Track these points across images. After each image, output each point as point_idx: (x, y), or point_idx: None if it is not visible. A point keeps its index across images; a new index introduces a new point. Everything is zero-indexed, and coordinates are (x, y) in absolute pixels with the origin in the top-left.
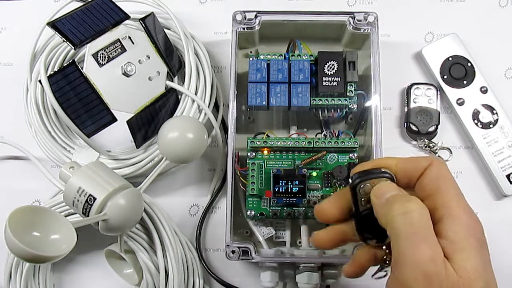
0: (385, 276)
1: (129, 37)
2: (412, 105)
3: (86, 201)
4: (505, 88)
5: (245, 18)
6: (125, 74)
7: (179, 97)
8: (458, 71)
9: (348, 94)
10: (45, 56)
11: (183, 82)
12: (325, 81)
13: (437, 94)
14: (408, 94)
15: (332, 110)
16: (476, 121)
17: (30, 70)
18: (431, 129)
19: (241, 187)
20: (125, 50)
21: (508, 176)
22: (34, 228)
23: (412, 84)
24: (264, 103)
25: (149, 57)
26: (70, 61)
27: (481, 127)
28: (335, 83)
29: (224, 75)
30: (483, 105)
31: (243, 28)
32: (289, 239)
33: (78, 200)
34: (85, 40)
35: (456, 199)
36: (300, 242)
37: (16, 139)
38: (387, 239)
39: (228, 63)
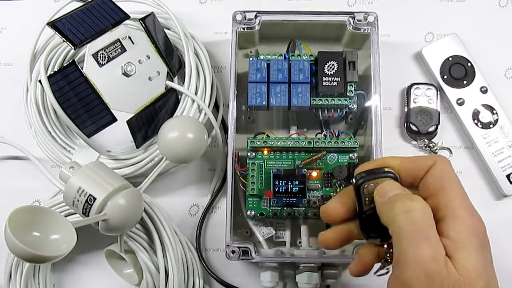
0: (386, 273)
1: (129, 37)
2: (412, 105)
3: (86, 201)
4: (505, 88)
5: (245, 18)
6: (125, 74)
7: (179, 97)
8: (458, 71)
9: (348, 94)
10: (45, 56)
11: (183, 82)
12: (325, 81)
13: (437, 94)
14: (408, 94)
15: (332, 110)
16: (476, 121)
17: (30, 70)
18: (431, 129)
19: (241, 187)
20: (125, 50)
21: (508, 176)
22: (34, 228)
23: (412, 84)
24: (264, 103)
25: (149, 57)
26: (70, 61)
27: (481, 127)
28: (335, 83)
29: (224, 75)
30: (483, 105)
31: (243, 28)
32: (289, 239)
33: (78, 200)
34: (85, 40)
35: (459, 198)
36: (300, 242)
37: (16, 139)
38: (391, 238)
39: (228, 63)
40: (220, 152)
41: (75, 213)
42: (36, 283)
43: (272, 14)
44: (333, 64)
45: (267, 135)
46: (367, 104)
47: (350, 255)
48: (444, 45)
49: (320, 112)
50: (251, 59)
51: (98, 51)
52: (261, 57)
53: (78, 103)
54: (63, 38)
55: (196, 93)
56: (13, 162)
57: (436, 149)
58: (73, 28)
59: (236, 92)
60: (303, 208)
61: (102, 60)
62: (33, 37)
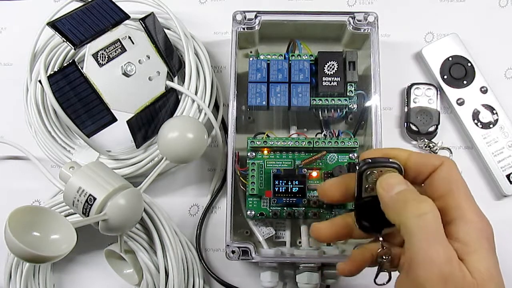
0: (388, 281)
1: (129, 37)
2: (412, 105)
3: (86, 201)
4: (505, 88)
5: (245, 18)
6: (125, 74)
7: (179, 97)
8: (458, 71)
9: (348, 94)
10: (45, 56)
11: (183, 82)
12: (325, 81)
13: (437, 94)
14: (408, 94)
15: (332, 110)
16: (476, 121)
17: (30, 70)
18: (431, 129)
19: (241, 187)
20: (125, 50)
21: (508, 176)
22: (34, 228)
23: (412, 84)
24: (264, 103)
25: (149, 57)
26: (70, 61)
27: (481, 127)
28: (335, 83)
29: (224, 75)
30: (483, 105)
31: (243, 28)
32: (289, 239)
33: (78, 200)
34: (85, 40)
35: (467, 202)
36: (300, 242)
37: (16, 139)
38: (384, 230)
39: (228, 63)
40: (220, 152)
41: (75, 213)
42: (36, 283)
43: (272, 14)
44: (333, 64)
45: (267, 135)
46: (367, 104)
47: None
48: (444, 45)
49: (320, 112)
50: (251, 59)
51: (98, 51)
52: (261, 57)
53: (78, 103)
54: (63, 38)
55: (196, 93)
56: (13, 162)
57: (436, 149)
58: (73, 28)
59: (236, 92)
60: (303, 208)
61: (102, 60)
62: (33, 37)
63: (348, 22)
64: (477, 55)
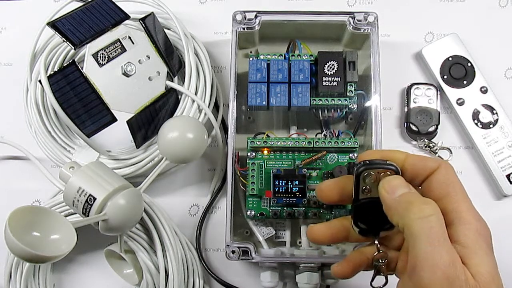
0: (384, 285)
1: (129, 37)
2: (412, 105)
3: (86, 201)
4: (505, 88)
5: (245, 18)
6: (125, 74)
7: (179, 97)
8: (458, 71)
9: (348, 94)
10: (45, 56)
11: (183, 82)
12: (325, 81)
13: (437, 94)
14: (408, 94)
15: (332, 110)
16: (476, 121)
17: (30, 70)
18: (431, 129)
19: (241, 187)
20: (125, 50)
21: (508, 176)
22: (34, 228)
23: (412, 84)
24: (264, 103)
25: (149, 57)
26: (70, 61)
27: (481, 127)
28: (335, 83)
29: (224, 75)
30: (483, 105)
31: (243, 28)
32: (289, 239)
33: (78, 200)
34: (85, 40)
35: (465, 204)
36: (300, 242)
37: (16, 139)
38: (381, 233)
39: (228, 63)
40: (220, 152)
41: (75, 213)
42: (36, 283)
43: (272, 14)
44: (333, 64)
45: (267, 135)
46: (367, 104)
47: None
48: (444, 45)
49: (320, 112)
50: (251, 59)
51: (98, 51)
52: (261, 57)
53: (78, 103)
54: (63, 38)
55: (196, 93)
56: (13, 162)
57: (436, 149)
58: (73, 28)
59: (236, 92)
60: (303, 208)
61: (102, 60)
62: (33, 37)
63: (348, 22)
64: (477, 55)
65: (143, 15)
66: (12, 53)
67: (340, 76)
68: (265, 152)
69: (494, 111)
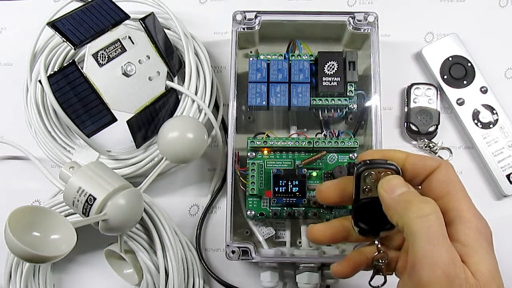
0: (383, 284)
1: (129, 37)
2: (412, 105)
3: (86, 201)
4: (505, 88)
5: (245, 18)
6: (125, 74)
7: (179, 97)
8: (458, 71)
9: (348, 94)
10: (45, 56)
11: (183, 82)
12: (325, 81)
13: (437, 94)
14: (408, 94)
15: (332, 110)
16: (476, 121)
17: (30, 70)
18: (431, 129)
19: (241, 187)
20: (125, 50)
21: (508, 176)
22: (34, 228)
23: (412, 84)
24: (264, 103)
25: (149, 57)
26: (70, 61)
27: (481, 127)
28: (335, 83)
29: (224, 75)
30: (483, 105)
31: (243, 28)
32: (289, 239)
33: (78, 200)
34: (85, 40)
35: (465, 203)
36: (300, 242)
37: (16, 139)
38: (381, 233)
39: (228, 63)
40: (220, 152)
41: (75, 213)
42: (36, 283)
43: (272, 14)
44: (333, 64)
45: (267, 135)
46: (367, 104)
47: None
48: (444, 45)
49: (320, 112)
50: (251, 59)
51: (98, 51)
52: (261, 57)
53: (78, 103)
54: (63, 38)
55: (196, 93)
56: (13, 162)
57: (436, 149)
58: (73, 28)
59: (236, 92)
60: (303, 208)
61: (102, 60)
62: (33, 37)
63: (348, 22)
64: (477, 55)
65: (143, 15)
66: (12, 53)
67: (340, 76)
68: (265, 152)
69: (494, 111)
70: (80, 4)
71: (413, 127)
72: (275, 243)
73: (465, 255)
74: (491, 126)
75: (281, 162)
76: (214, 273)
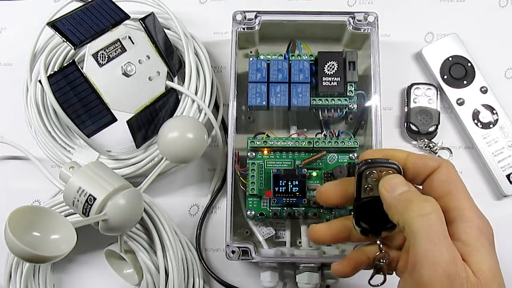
0: (382, 283)
1: (129, 37)
2: (412, 105)
3: (86, 201)
4: (505, 88)
5: (245, 18)
6: (125, 74)
7: (179, 97)
8: (458, 71)
9: (348, 94)
10: (45, 56)
11: (183, 82)
12: (325, 81)
13: (437, 94)
14: (408, 94)
15: (332, 110)
16: (476, 121)
17: (30, 70)
18: (431, 129)
19: (241, 187)
20: (125, 50)
21: (508, 176)
22: (34, 228)
23: (412, 84)
24: (264, 103)
25: (149, 57)
26: (70, 61)
27: (481, 127)
28: (335, 83)
29: (224, 75)
30: (483, 105)
31: (243, 28)
32: (289, 239)
33: (78, 200)
34: (85, 40)
35: (467, 202)
36: (300, 242)
37: (16, 139)
38: (383, 233)
39: (228, 63)
40: (220, 152)
41: (75, 213)
42: (36, 283)
43: (272, 14)
44: (333, 64)
45: (267, 135)
46: (367, 104)
47: None
48: (444, 45)
49: (320, 112)
50: (251, 59)
51: (98, 51)
52: (261, 57)
53: (78, 103)
54: (63, 38)
55: (196, 93)
56: (13, 162)
57: (436, 149)
58: (73, 28)
59: (236, 92)
60: (303, 208)
61: (102, 60)
62: (33, 37)
63: (348, 22)
64: (477, 55)
65: (143, 15)
66: (12, 53)
67: (340, 76)
68: (265, 152)
69: (494, 111)
70: (80, 4)
71: (413, 127)
72: (275, 243)
73: (466, 254)
74: (491, 126)
75: (281, 162)
76: (214, 273)
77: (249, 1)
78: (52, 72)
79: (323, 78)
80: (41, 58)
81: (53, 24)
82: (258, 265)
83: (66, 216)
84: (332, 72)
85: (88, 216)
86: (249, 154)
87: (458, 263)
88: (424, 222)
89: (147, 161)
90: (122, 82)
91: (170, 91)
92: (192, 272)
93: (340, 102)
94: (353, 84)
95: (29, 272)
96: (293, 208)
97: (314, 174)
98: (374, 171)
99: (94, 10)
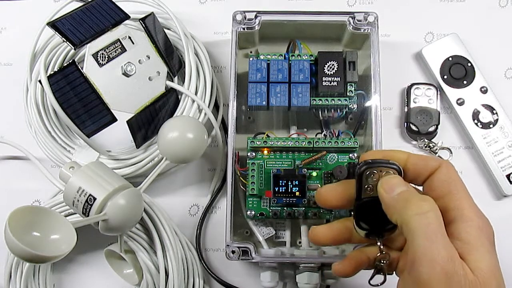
0: (382, 283)
1: (129, 37)
2: (412, 105)
3: (86, 201)
4: (505, 88)
5: (245, 18)
6: (125, 74)
7: (179, 97)
8: (458, 71)
9: (348, 94)
10: (45, 56)
11: (183, 82)
12: (325, 81)
13: (437, 94)
14: (408, 94)
15: (332, 110)
16: (476, 121)
17: (30, 70)
18: (431, 129)
19: (241, 187)
20: (125, 50)
21: (508, 176)
22: (34, 228)
23: (412, 84)
24: (264, 103)
25: (149, 57)
26: (70, 61)
27: (481, 127)
28: (335, 83)
29: (224, 75)
30: (483, 105)
31: (243, 28)
32: (289, 239)
33: (78, 200)
34: (85, 40)
35: (467, 202)
36: (300, 242)
37: (16, 139)
38: (385, 234)
39: (228, 63)
40: (220, 152)
41: (75, 213)
42: (36, 283)
43: (272, 14)
44: (333, 64)
45: (267, 135)
46: (367, 104)
47: None
48: (444, 45)
49: (320, 112)
50: (251, 59)
51: (98, 51)
52: (261, 57)
53: (78, 103)
54: (63, 38)
55: (196, 93)
56: (13, 162)
57: (436, 149)
58: (73, 28)
59: (236, 92)
60: (303, 208)
61: (102, 60)
62: (33, 37)
63: (348, 22)
64: (477, 55)
65: (143, 15)
66: (12, 53)
67: (340, 76)
68: (265, 152)
69: (494, 111)
70: (80, 4)
71: (413, 127)
72: (275, 243)
73: (466, 252)
74: (491, 126)
75: (281, 162)
76: (214, 273)
77: (249, 1)
78: (52, 72)
79: (323, 78)
80: (41, 58)
81: (53, 24)
82: (258, 265)
83: (66, 216)
84: (332, 72)
85: (88, 216)
86: (249, 154)
87: (456, 261)
88: (421, 220)
89: (147, 161)
90: (122, 82)
91: (170, 91)
92: (192, 272)
93: (340, 102)
94: (353, 84)
95: (29, 272)
96: (293, 208)
97: (314, 174)
98: (374, 171)
99: (94, 10)
